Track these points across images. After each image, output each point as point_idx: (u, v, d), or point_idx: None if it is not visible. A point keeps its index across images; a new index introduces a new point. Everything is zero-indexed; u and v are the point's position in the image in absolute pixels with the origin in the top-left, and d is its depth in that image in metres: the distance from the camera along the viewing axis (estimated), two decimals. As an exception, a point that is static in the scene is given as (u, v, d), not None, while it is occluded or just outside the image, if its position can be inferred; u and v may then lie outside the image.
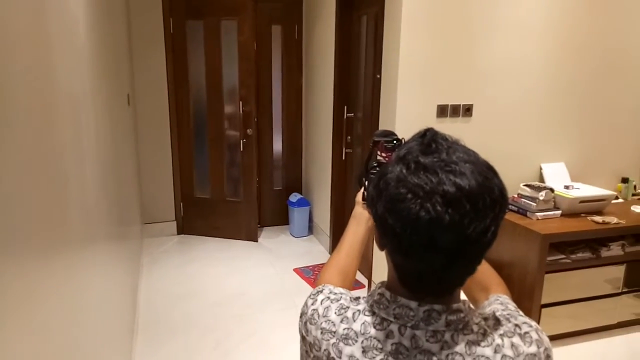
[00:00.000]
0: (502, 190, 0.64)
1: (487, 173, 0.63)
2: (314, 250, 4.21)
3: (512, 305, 0.80)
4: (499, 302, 0.81)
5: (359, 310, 0.73)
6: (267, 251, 4.15)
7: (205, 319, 3.04)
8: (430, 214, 0.59)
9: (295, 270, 3.78)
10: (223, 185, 4.35)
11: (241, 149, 4.19)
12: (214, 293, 3.39)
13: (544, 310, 2.68)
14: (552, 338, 2.75)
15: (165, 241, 4.34)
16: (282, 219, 4.76)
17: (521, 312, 0.77)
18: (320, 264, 3.89)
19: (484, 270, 0.92)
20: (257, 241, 4.35)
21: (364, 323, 0.71)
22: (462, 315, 0.67)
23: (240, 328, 2.94)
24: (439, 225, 0.59)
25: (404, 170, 0.63)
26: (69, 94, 1.27)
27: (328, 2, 3.80)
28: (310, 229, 4.60)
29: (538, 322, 2.66)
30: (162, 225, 4.43)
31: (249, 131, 4.12)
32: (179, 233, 4.49)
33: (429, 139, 0.66)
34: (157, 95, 4.20)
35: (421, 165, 0.62)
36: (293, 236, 4.54)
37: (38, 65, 0.98)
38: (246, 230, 4.34)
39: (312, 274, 3.70)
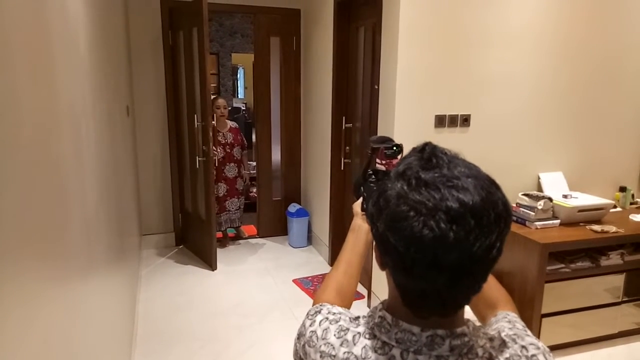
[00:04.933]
0: (506, 204, 0.62)
1: (490, 187, 0.61)
2: (313, 261, 4.20)
3: (520, 324, 0.77)
4: (507, 320, 0.79)
5: (359, 333, 0.71)
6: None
7: (204, 329, 3.02)
8: (434, 231, 0.57)
9: (295, 281, 3.76)
10: (197, 202, 4.15)
11: (197, 167, 3.91)
12: (213, 304, 3.37)
13: (544, 319, 2.66)
14: (554, 348, 2.74)
15: (164, 252, 4.32)
16: (281, 230, 4.75)
17: (529, 332, 0.75)
18: (320, 275, 3.87)
19: (492, 287, 0.90)
20: (213, 269, 3.93)
21: (364, 347, 0.69)
22: (466, 339, 0.65)
23: (239, 339, 2.92)
24: (444, 243, 0.57)
25: (405, 187, 0.61)
26: (70, 106, 1.28)
27: (326, 13, 3.84)
28: (309, 240, 4.59)
29: (539, 332, 2.65)
30: (160, 236, 4.42)
31: (204, 148, 3.81)
32: (177, 244, 4.47)
33: (428, 154, 0.64)
34: (155, 106, 4.22)
35: (422, 181, 0.60)
36: (292, 247, 4.53)
37: (39, 77, 0.98)
38: (207, 255, 4.01)
39: (311, 285, 3.68)
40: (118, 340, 2.09)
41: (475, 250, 0.58)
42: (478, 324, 0.76)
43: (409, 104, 2.83)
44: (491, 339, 0.69)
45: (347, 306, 0.92)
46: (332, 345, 0.72)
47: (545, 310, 2.65)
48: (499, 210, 0.60)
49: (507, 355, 0.67)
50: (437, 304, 0.64)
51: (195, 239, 4.24)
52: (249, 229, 4.91)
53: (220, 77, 9.87)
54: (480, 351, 0.66)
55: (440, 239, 0.57)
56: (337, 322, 0.75)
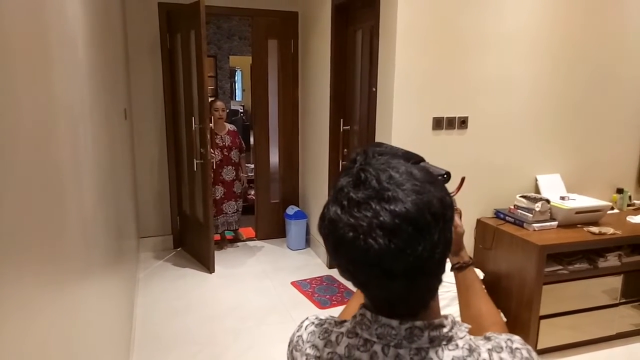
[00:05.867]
0: (442, 199, 0.63)
1: (422, 187, 0.61)
2: (311, 263, 4.19)
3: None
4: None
5: (342, 333, 0.72)
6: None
7: (202, 333, 3.01)
8: (374, 247, 0.59)
9: (293, 283, 3.76)
10: (195, 204, 4.13)
11: (194, 169, 3.92)
12: (211, 307, 3.36)
13: (542, 321, 2.67)
14: (552, 349, 2.74)
15: (162, 255, 4.31)
16: (279, 232, 4.75)
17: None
18: (318, 277, 3.87)
19: (495, 321, 0.89)
20: (211, 272, 3.92)
21: (347, 346, 0.70)
22: (444, 330, 0.66)
23: (237, 342, 2.91)
24: (387, 256, 0.59)
25: (339, 211, 0.63)
26: (68, 109, 1.28)
27: (323, 16, 3.85)
28: (308, 242, 4.59)
29: (537, 334, 2.66)
30: (158, 239, 4.41)
31: (202, 150, 3.80)
32: (175, 247, 4.46)
33: (357, 169, 0.64)
34: (153, 109, 4.21)
35: (354, 202, 0.61)
36: (290, 249, 4.53)
37: (38, 80, 0.98)
38: (205, 258, 3.99)
39: (309, 287, 3.68)
40: (116, 344, 2.08)
41: (421, 252, 0.59)
42: (458, 318, 0.76)
43: (406, 107, 2.84)
44: (476, 337, 0.69)
45: None
46: (316, 347, 0.73)
47: (543, 312, 2.65)
48: (434, 210, 0.61)
49: (489, 346, 0.67)
50: (403, 306, 0.66)
51: (193, 242, 4.24)
52: (247, 231, 4.90)
53: (218, 80, 9.88)
54: (460, 342, 0.66)
55: (382, 252, 0.59)
56: (322, 325, 0.76)
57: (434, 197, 0.62)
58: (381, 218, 0.59)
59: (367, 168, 0.64)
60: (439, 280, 0.66)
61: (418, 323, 0.65)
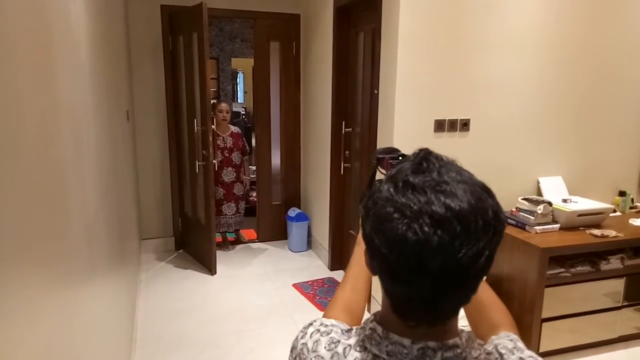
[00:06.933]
0: (496, 212, 0.60)
1: (480, 194, 0.60)
2: (312, 265, 4.19)
3: (521, 343, 0.75)
4: (509, 339, 0.77)
5: (350, 345, 0.70)
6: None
7: (204, 335, 3.01)
8: (418, 235, 0.56)
9: (294, 285, 3.75)
10: (196, 206, 4.14)
11: (196, 171, 3.96)
12: (212, 309, 3.36)
13: (544, 324, 2.66)
14: (554, 353, 2.73)
15: (163, 257, 4.32)
16: (280, 234, 4.75)
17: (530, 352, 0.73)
18: (320, 279, 3.87)
19: (497, 309, 0.88)
20: (213, 274, 3.94)
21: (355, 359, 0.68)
22: (458, 351, 0.64)
23: (239, 344, 2.91)
24: (427, 247, 0.56)
25: (391, 189, 0.60)
26: (71, 111, 1.28)
27: (325, 19, 3.86)
28: (309, 244, 4.59)
29: (539, 337, 2.64)
30: (160, 240, 4.42)
31: (204, 152, 3.85)
32: (177, 249, 4.47)
33: (420, 158, 0.63)
34: (155, 111, 4.22)
35: (410, 185, 0.59)
36: (292, 251, 4.52)
37: (41, 83, 0.99)
38: (207, 259, 4.00)
39: (311, 289, 3.68)
40: (118, 345, 2.09)
41: (461, 256, 0.57)
42: (468, 329, 0.75)
43: (408, 109, 2.84)
44: (488, 353, 0.68)
45: (357, 323, 0.88)
46: (322, 357, 0.71)
47: (545, 314, 2.64)
48: (487, 218, 0.59)
49: None
50: (424, 312, 0.62)
51: (195, 243, 4.24)
52: (248, 233, 4.91)
53: (219, 82, 9.89)
54: None
55: (423, 242, 0.56)
56: (328, 334, 0.74)
57: (490, 207, 0.60)
58: (434, 207, 0.57)
59: (431, 159, 0.62)
60: (467, 300, 0.62)
61: (431, 344, 0.63)
